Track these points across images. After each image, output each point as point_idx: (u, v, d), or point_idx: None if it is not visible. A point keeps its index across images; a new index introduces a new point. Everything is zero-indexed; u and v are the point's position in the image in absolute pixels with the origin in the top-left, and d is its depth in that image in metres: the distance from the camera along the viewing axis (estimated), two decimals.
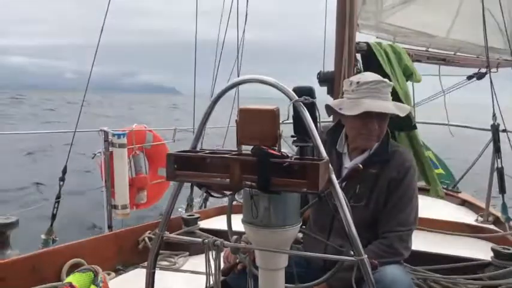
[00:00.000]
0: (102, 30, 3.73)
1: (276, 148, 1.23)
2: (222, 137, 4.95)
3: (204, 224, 3.57)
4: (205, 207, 5.21)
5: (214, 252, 1.40)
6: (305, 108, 1.23)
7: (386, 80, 2.14)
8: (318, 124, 1.27)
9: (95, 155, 3.80)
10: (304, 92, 1.27)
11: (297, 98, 1.23)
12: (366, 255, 1.22)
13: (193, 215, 3.48)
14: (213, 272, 1.41)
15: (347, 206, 1.25)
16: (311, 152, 1.35)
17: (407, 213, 2.13)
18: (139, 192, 4.15)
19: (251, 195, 1.26)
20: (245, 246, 1.42)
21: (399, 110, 2.12)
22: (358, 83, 2.09)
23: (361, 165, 1.86)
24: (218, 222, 3.67)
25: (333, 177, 1.22)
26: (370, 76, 2.15)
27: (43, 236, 3.23)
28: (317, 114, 1.29)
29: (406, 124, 3.04)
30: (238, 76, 4.89)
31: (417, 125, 3.30)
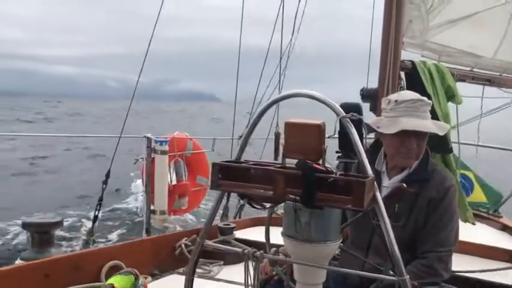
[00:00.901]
0: (151, 39, 3.83)
1: (321, 163, 1.23)
2: (258, 147, 4.98)
3: (239, 234, 3.58)
4: (239, 217, 5.23)
5: (253, 263, 1.41)
6: (352, 125, 1.24)
7: (424, 98, 2.12)
8: (364, 141, 1.27)
9: (137, 160, 3.89)
10: (352, 108, 1.27)
11: (344, 114, 1.24)
12: (408, 276, 1.21)
13: (229, 225, 3.50)
14: (252, 282, 1.42)
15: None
16: (355, 168, 1.35)
17: (447, 233, 2.09)
18: (180, 198, 4.22)
19: (295, 209, 1.26)
20: (284, 259, 1.43)
21: (438, 128, 2.09)
22: (396, 101, 2.08)
23: (405, 185, 1.84)
24: (253, 233, 3.68)
25: (378, 195, 1.21)
26: (409, 94, 2.13)
27: (84, 237, 3.33)
28: (363, 131, 1.29)
29: (443, 147, 2.99)
30: (280, 83, 4.91)
31: (461, 145, 3.23)
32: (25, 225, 2.48)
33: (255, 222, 4.09)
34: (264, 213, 4.52)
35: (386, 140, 2.15)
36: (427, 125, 2.07)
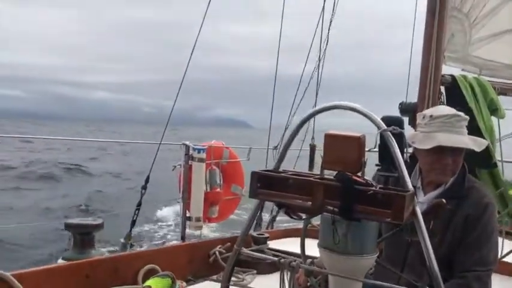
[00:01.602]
0: (187, 66, 3.98)
1: (360, 175, 1.24)
2: (291, 159, 5.00)
3: (272, 244, 3.59)
4: (272, 227, 5.23)
5: (288, 273, 1.42)
6: (393, 139, 1.24)
7: (461, 113, 2.09)
8: (405, 155, 1.27)
9: (175, 167, 3.96)
10: (393, 121, 1.28)
11: (386, 127, 1.24)
12: None
13: (262, 234, 3.52)
14: None
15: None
16: (393, 182, 1.35)
17: (486, 252, 2.03)
18: (211, 206, 4.26)
19: (333, 221, 1.27)
20: (320, 270, 1.44)
21: (475, 144, 2.05)
22: (431, 116, 2.06)
23: (444, 200, 1.82)
24: (285, 244, 3.68)
25: (417, 209, 1.21)
26: (444, 110, 2.11)
27: (122, 240, 3.41)
28: (404, 145, 1.29)
29: (487, 162, 2.92)
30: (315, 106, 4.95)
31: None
32: (67, 226, 2.57)
33: (287, 233, 4.09)
34: (297, 225, 4.55)
35: (421, 156, 2.12)
36: (464, 140, 2.03)
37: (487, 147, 3.06)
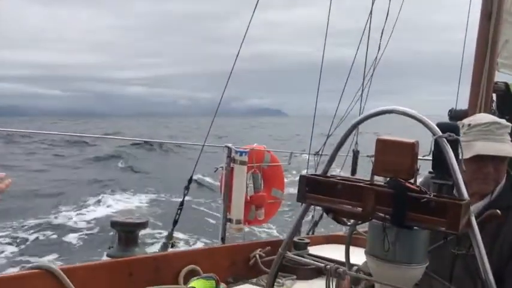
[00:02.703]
0: (236, 58, 3.97)
1: (412, 182, 1.21)
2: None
3: (312, 250, 3.55)
4: (313, 233, 5.19)
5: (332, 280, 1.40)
6: (448, 145, 1.20)
7: (502, 121, 2.01)
8: (461, 162, 1.23)
9: (217, 169, 4.00)
10: (449, 128, 1.24)
11: (441, 133, 1.21)
12: None
13: (303, 240, 3.49)
14: None
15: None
16: (446, 190, 1.31)
17: None
18: (257, 209, 4.26)
19: (384, 228, 1.24)
20: (368, 278, 1.41)
21: None
22: (469, 125, 1.99)
23: (498, 211, 1.75)
24: (326, 251, 3.63)
25: (473, 219, 1.17)
26: (484, 118, 2.03)
27: (164, 240, 3.46)
28: (460, 152, 1.25)
29: None
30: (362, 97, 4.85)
31: None
32: (113, 224, 2.62)
33: (328, 240, 4.04)
34: (338, 231, 4.47)
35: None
36: (504, 148, 1.95)
37: None
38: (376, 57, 4.77)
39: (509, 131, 2.02)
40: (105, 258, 2.54)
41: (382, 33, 4.85)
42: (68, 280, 2.03)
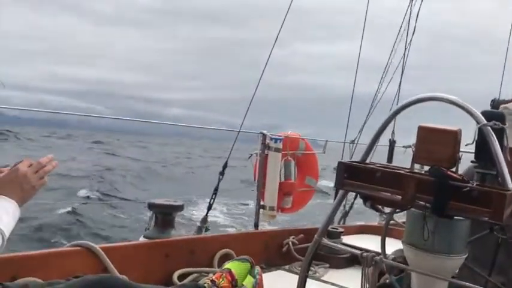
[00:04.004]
0: (257, 85, 4.05)
1: (454, 171, 1.19)
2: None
3: (345, 239, 3.54)
4: (344, 223, 5.16)
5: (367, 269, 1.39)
6: (493, 134, 1.17)
7: None
8: (506, 151, 1.20)
9: (251, 155, 4.00)
10: (494, 116, 1.20)
11: (486, 122, 1.18)
12: None
13: (337, 229, 3.47)
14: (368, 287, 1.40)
15: None
16: (490, 180, 1.28)
17: None
18: (285, 196, 4.25)
19: (424, 216, 1.22)
20: (405, 267, 1.39)
21: None
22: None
23: None
24: (359, 240, 3.61)
25: None
26: None
27: (198, 224, 3.50)
28: (505, 141, 1.22)
29: None
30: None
31: None
32: (150, 206, 2.68)
33: (361, 230, 4.01)
34: (371, 221, 4.41)
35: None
36: None
37: None
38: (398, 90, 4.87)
39: None
40: (142, 239, 2.60)
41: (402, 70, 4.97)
42: (106, 258, 2.09)
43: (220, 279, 1.77)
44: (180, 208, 2.65)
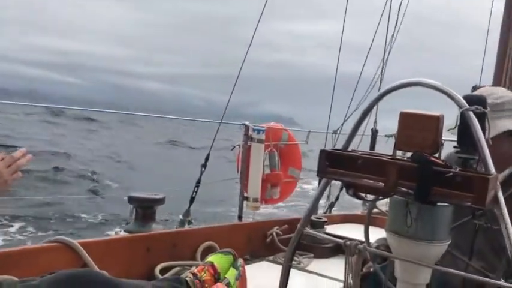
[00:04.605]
0: (243, 63, 4.01)
1: (437, 157, 1.17)
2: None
3: (329, 229, 3.54)
4: (330, 212, 5.18)
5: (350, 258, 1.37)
6: (475, 118, 1.16)
7: (498, 98, 1.95)
8: (488, 136, 1.19)
9: (234, 147, 3.98)
10: (476, 101, 1.19)
11: (468, 106, 1.16)
12: None
13: (320, 218, 3.47)
14: (351, 276, 1.38)
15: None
16: (472, 165, 1.27)
17: None
18: (272, 188, 4.25)
19: (407, 203, 1.20)
20: (389, 255, 1.38)
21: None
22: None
23: None
24: (343, 229, 3.63)
25: (500, 194, 1.13)
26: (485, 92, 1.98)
27: (181, 217, 3.47)
28: (487, 125, 1.20)
29: None
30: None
31: None
32: (130, 200, 2.64)
33: (345, 219, 4.03)
34: (355, 210, 4.45)
35: None
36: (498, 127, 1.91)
37: None
38: (381, 72, 4.87)
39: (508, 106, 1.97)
40: (122, 233, 2.56)
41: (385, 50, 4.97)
42: (86, 254, 2.05)
43: (203, 273, 1.74)
44: (161, 201, 2.61)
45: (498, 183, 1.13)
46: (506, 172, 2.01)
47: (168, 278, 1.88)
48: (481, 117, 1.19)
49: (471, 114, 1.16)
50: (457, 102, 1.17)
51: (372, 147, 5.03)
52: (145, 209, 2.58)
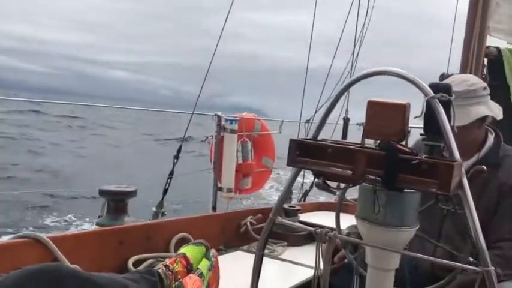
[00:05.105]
0: (213, 54, 4.00)
1: (404, 144, 1.19)
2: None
3: (303, 217, 3.58)
4: (304, 200, 5.23)
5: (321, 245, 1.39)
6: (441, 106, 1.18)
7: (470, 85, 2.02)
8: (453, 124, 1.21)
9: (207, 138, 3.97)
10: (442, 89, 1.21)
11: (433, 94, 1.18)
12: (493, 268, 1.14)
13: (294, 207, 3.50)
14: (322, 263, 1.40)
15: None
16: (438, 152, 1.29)
17: None
18: (244, 178, 4.26)
19: (374, 190, 1.22)
20: (358, 241, 1.40)
21: (492, 111, 2.00)
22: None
23: (484, 167, 1.75)
24: (316, 218, 3.66)
25: (465, 180, 1.15)
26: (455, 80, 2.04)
27: (154, 209, 3.45)
28: (452, 113, 1.23)
29: None
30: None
31: None
32: (102, 193, 2.60)
33: (318, 207, 4.07)
34: (328, 198, 4.49)
35: None
36: (479, 111, 1.97)
37: None
38: (352, 65, 4.94)
39: (482, 93, 2.02)
40: (94, 227, 2.53)
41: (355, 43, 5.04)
42: (56, 249, 2.02)
43: (175, 264, 1.74)
44: (133, 194, 2.59)
45: (463, 169, 1.15)
46: (474, 159, 2.07)
47: (140, 270, 1.87)
48: (447, 105, 1.21)
49: (437, 101, 1.18)
50: (423, 90, 1.19)
51: (344, 135, 5.09)
52: (117, 202, 2.55)
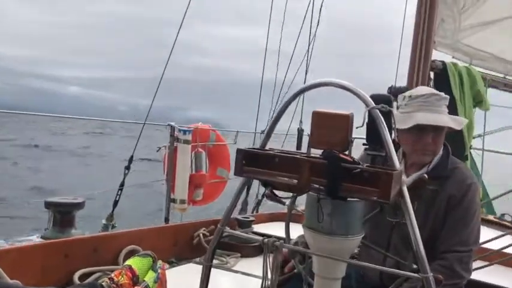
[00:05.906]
0: (165, 66, 3.98)
1: (347, 154, 1.21)
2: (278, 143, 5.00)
3: (257, 228, 3.57)
4: (257, 211, 5.23)
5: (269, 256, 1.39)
6: (381, 117, 1.21)
7: (441, 93, 2.09)
8: (394, 134, 1.24)
9: (160, 148, 3.92)
10: (382, 100, 1.24)
11: (374, 105, 1.21)
12: (432, 274, 1.17)
13: (248, 218, 3.50)
14: (270, 273, 1.40)
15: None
16: (381, 162, 1.32)
17: (468, 233, 2.03)
18: (196, 189, 4.22)
19: (318, 199, 1.24)
20: (304, 250, 1.41)
21: (455, 123, 2.06)
22: (410, 96, 2.08)
23: (426, 176, 1.80)
24: (270, 228, 3.67)
25: (405, 189, 1.18)
26: (424, 90, 2.13)
27: (104, 221, 3.36)
28: (393, 123, 1.26)
29: (458, 152, 2.95)
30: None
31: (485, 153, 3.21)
32: (47, 205, 2.51)
33: (272, 218, 4.08)
34: (283, 209, 4.51)
35: (402, 137, 2.12)
36: (442, 119, 2.04)
37: (463, 141, 3.09)
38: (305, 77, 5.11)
39: (447, 103, 2.09)
40: (39, 240, 2.44)
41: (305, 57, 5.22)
42: None
43: (120, 277, 1.69)
44: (80, 206, 2.51)
45: (403, 177, 1.18)
46: (424, 170, 2.11)
47: (83, 284, 1.81)
48: (387, 116, 1.25)
49: (377, 112, 1.21)
50: (364, 101, 1.22)
51: (298, 145, 5.15)
52: (63, 214, 2.47)
